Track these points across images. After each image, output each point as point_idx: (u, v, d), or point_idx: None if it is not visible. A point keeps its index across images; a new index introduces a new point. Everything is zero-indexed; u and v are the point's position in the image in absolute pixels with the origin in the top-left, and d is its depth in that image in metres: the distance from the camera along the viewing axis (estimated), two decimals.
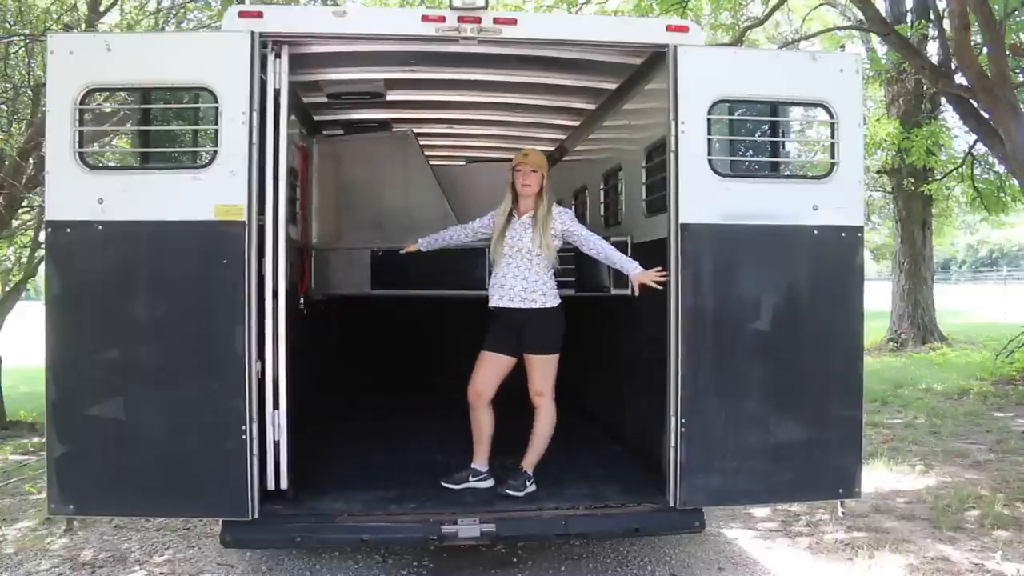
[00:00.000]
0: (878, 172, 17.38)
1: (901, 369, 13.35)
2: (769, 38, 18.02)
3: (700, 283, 4.18)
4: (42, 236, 7.59)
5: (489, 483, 4.63)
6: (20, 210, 9.83)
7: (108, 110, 7.92)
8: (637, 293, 4.47)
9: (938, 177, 14.79)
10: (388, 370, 8.17)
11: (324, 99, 6.13)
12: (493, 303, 4.65)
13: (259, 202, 4.02)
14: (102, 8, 9.34)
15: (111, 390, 3.93)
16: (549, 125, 6.99)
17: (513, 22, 4.25)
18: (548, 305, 4.59)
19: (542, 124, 6.99)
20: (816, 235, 4.26)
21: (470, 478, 4.63)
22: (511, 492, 4.47)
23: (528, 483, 4.53)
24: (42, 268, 9.15)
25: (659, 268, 4.32)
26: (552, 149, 7.74)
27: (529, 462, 4.60)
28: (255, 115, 3.97)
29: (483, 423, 4.64)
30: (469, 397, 4.63)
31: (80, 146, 3.96)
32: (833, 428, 4.28)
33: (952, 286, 44.18)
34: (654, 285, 4.34)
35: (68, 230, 3.93)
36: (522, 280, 4.58)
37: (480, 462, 4.67)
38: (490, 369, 4.61)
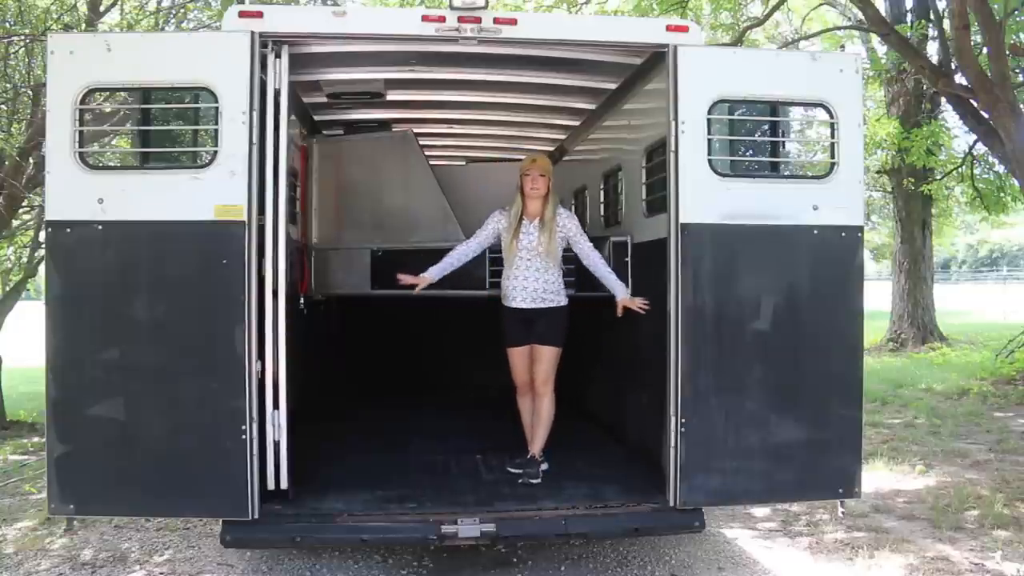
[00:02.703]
0: (878, 172, 17.37)
1: (901, 369, 13.35)
2: (769, 38, 18.00)
3: (700, 283, 4.18)
4: (42, 236, 7.59)
5: (545, 465, 4.88)
6: (20, 210, 9.82)
7: (108, 110, 7.92)
8: (620, 314, 4.78)
9: (938, 177, 14.78)
10: (388, 370, 8.17)
11: (324, 99, 6.13)
12: (516, 304, 4.88)
13: (259, 202, 4.02)
14: (102, 8, 9.34)
15: (111, 390, 3.93)
16: (549, 125, 6.99)
17: (513, 22, 4.25)
18: (562, 304, 4.95)
19: (542, 124, 6.99)
20: (816, 235, 4.26)
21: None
22: (532, 480, 4.69)
23: (542, 465, 4.83)
24: (42, 268, 9.16)
25: (645, 300, 4.69)
26: (552, 149, 7.73)
27: (539, 448, 4.87)
28: (255, 115, 3.97)
29: (531, 410, 4.99)
30: (519, 389, 5.01)
31: (80, 146, 3.96)
32: (833, 428, 4.28)
33: (952, 286, 44.20)
34: (638, 310, 4.70)
35: (68, 230, 3.94)
36: (543, 282, 4.88)
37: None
38: (526, 360, 4.96)
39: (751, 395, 4.22)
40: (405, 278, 4.91)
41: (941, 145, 13.79)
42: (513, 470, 4.82)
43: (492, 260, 5.34)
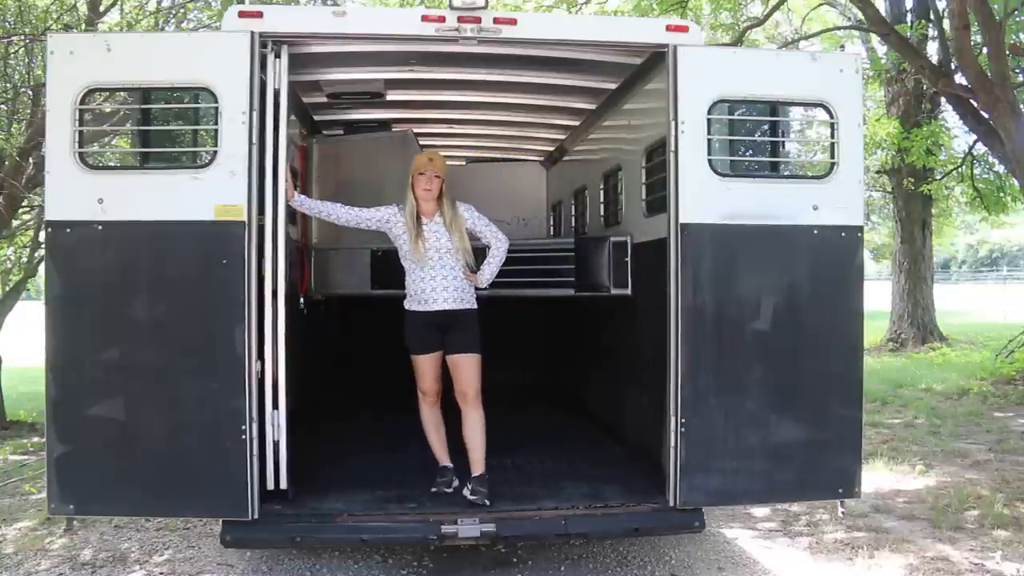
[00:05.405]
0: (878, 172, 17.38)
1: (901, 369, 13.35)
2: (769, 38, 18.00)
3: (700, 283, 4.18)
4: (42, 236, 7.59)
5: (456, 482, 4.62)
6: (20, 210, 9.82)
7: (108, 110, 7.92)
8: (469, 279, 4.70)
9: (938, 177, 14.79)
10: (388, 370, 8.14)
11: (324, 99, 6.13)
12: (437, 306, 4.58)
13: (259, 202, 4.02)
14: (102, 8, 9.35)
15: (111, 390, 3.93)
16: (549, 125, 6.99)
17: (513, 22, 4.25)
18: (475, 306, 4.71)
19: (542, 124, 6.99)
20: (816, 235, 4.26)
21: (454, 479, 4.63)
22: (487, 500, 4.32)
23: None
24: (42, 268, 9.16)
25: (480, 285, 4.70)
26: (552, 149, 7.74)
27: (483, 465, 4.52)
28: (255, 115, 3.97)
29: (440, 420, 4.75)
30: (428, 401, 4.71)
31: (80, 146, 3.96)
32: (833, 428, 4.28)
33: (952, 286, 44.21)
34: (470, 278, 4.67)
35: (68, 230, 3.94)
36: (458, 281, 4.63)
37: (448, 460, 4.72)
38: (436, 369, 4.69)
39: (751, 395, 4.22)
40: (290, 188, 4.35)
41: (941, 145, 13.79)
42: (473, 497, 4.33)
43: None
